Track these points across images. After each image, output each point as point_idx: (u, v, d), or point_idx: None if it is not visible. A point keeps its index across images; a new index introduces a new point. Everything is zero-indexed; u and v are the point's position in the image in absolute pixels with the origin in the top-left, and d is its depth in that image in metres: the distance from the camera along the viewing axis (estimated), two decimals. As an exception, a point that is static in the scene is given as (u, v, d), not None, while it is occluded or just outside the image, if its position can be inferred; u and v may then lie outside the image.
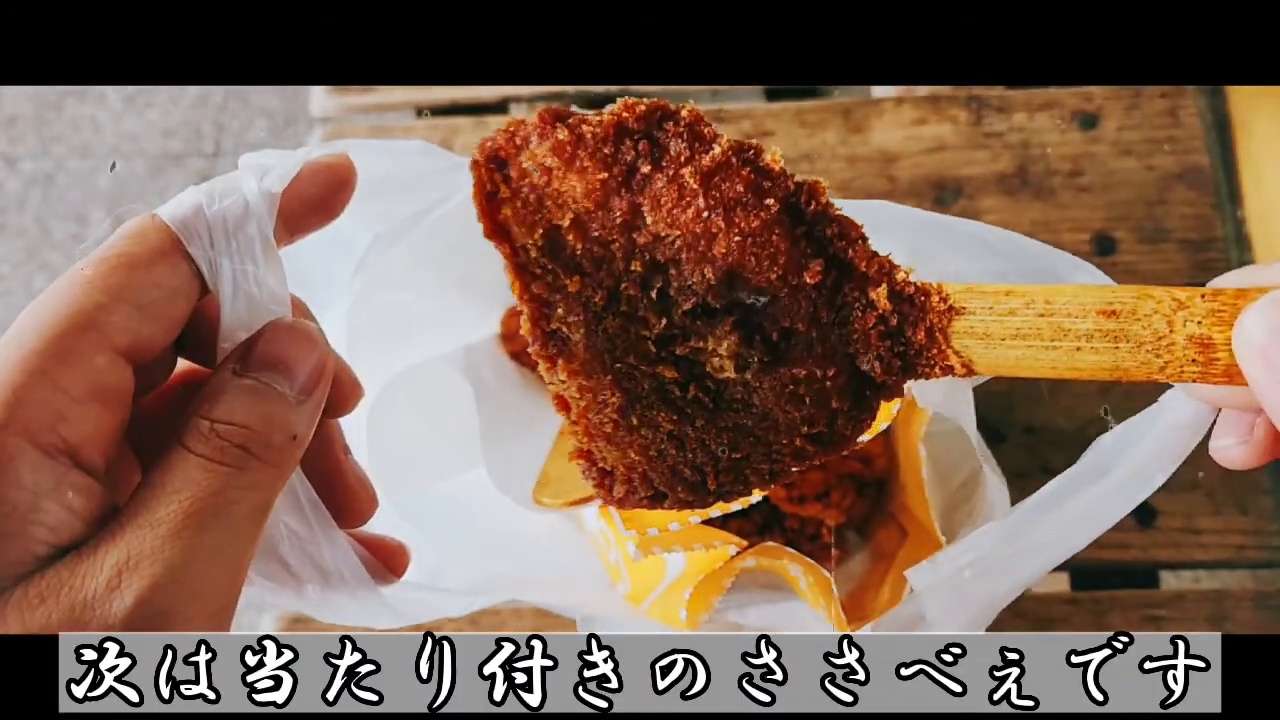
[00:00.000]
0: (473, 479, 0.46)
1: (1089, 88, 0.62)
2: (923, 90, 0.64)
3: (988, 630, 0.38)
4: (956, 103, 0.63)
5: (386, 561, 0.32)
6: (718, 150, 0.27)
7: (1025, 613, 0.53)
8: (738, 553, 0.41)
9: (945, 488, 0.46)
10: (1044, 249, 0.36)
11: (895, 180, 0.61)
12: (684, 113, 0.28)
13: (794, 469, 0.30)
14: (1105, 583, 0.55)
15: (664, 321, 0.29)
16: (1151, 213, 0.59)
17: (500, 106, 0.70)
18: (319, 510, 0.29)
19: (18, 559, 0.23)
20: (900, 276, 0.28)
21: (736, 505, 0.41)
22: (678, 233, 0.28)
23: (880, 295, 0.28)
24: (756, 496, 0.41)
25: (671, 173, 0.28)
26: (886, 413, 0.43)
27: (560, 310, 0.30)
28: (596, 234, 0.29)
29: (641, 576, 0.44)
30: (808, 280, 0.28)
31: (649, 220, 0.28)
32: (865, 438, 0.43)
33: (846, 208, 0.39)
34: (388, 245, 0.42)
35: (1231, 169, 0.79)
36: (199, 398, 0.26)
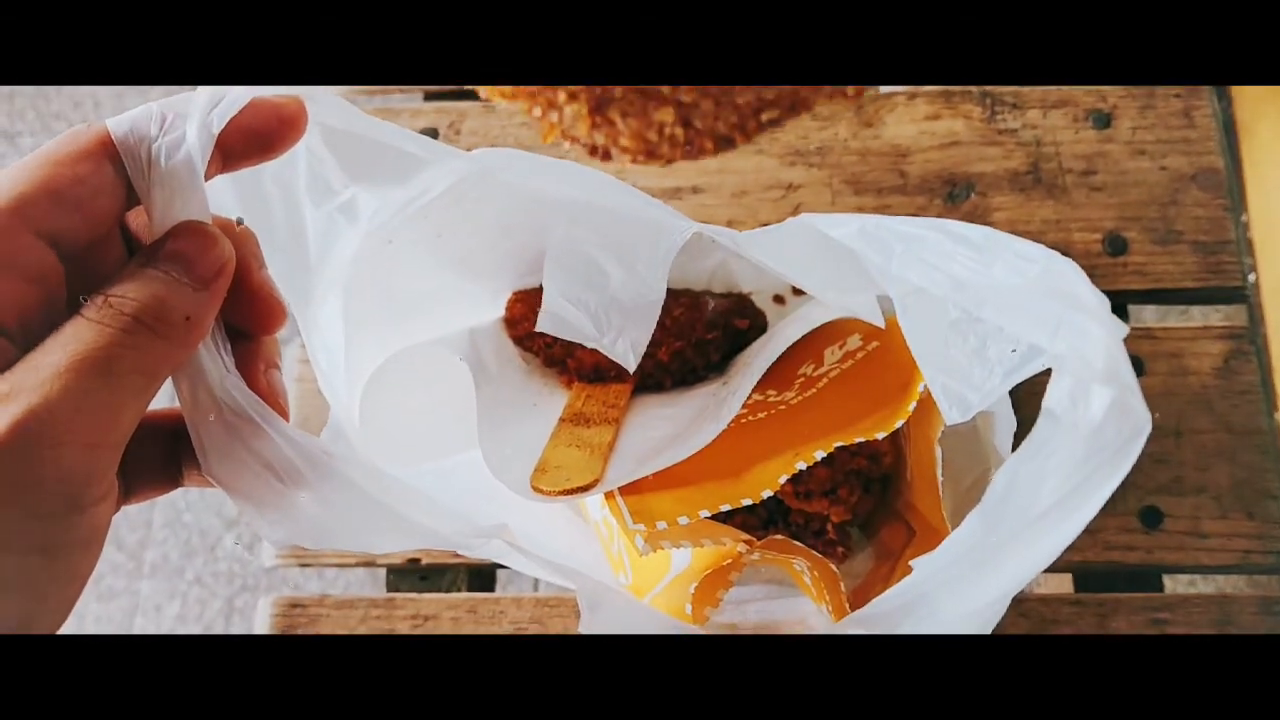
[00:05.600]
0: (469, 460, 0.45)
1: (1104, 87, 0.61)
2: (936, 85, 0.63)
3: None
4: (970, 98, 0.62)
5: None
6: None
7: (1029, 613, 0.52)
8: (745, 549, 0.40)
9: (955, 489, 0.45)
10: (1027, 245, 0.34)
11: (907, 175, 0.61)
12: None
13: None
14: (1109, 585, 0.55)
15: None
16: (1164, 213, 0.59)
17: (508, 92, 0.69)
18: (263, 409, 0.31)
19: None
20: None
21: (746, 501, 0.41)
22: None
23: None
24: (767, 493, 0.41)
25: None
26: (903, 410, 0.43)
27: None
28: None
29: (645, 570, 0.44)
30: None
31: None
32: (881, 434, 0.42)
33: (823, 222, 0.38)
34: (383, 226, 0.42)
35: (1237, 173, 0.79)
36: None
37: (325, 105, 0.34)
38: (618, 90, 0.27)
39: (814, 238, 0.40)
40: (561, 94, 0.27)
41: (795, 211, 0.61)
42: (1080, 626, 0.52)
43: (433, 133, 0.66)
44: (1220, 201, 0.59)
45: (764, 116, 0.28)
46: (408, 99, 0.70)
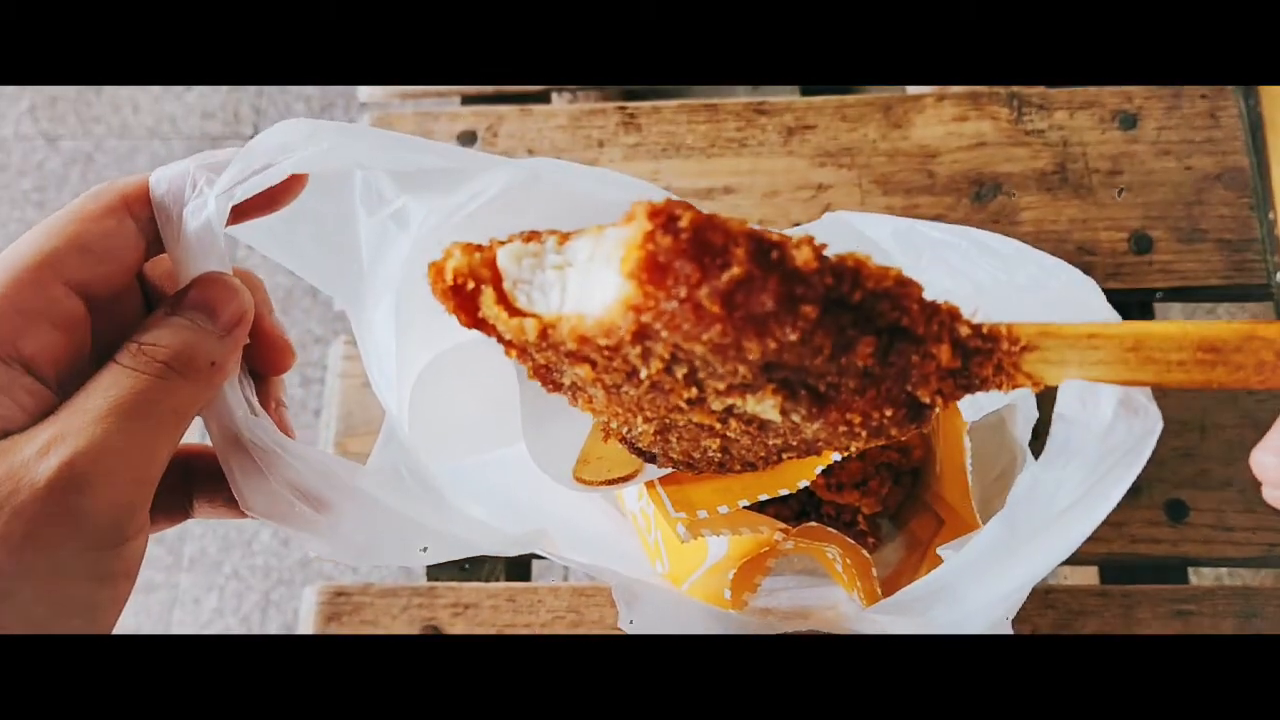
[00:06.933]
0: (513, 454, 0.47)
1: (1129, 88, 0.62)
2: (964, 86, 0.64)
3: (1016, 620, 0.39)
4: (998, 100, 0.63)
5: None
6: (736, 268, 0.24)
7: (1055, 604, 0.54)
8: (782, 537, 0.42)
9: (983, 479, 0.46)
10: (1052, 261, 0.36)
11: (935, 176, 0.62)
12: (683, 221, 0.24)
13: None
14: (1135, 577, 0.56)
15: (694, 391, 0.28)
16: (1189, 213, 0.59)
17: (543, 96, 0.71)
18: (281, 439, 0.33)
19: None
20: (964, 331, 0.27)
21: (782, 491, 0.43)
22: (701, 347, 0.26)
23: (943, 352, 0.27)
24: (803, 483, 0.42)
25: (684, 294, 0.24)
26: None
27: (570, 378, 0.28)
28: (602, 342, 0.26)
29: (683, 558, 0.45)
30: (857, 362, 0.27)
31: (665, 334, 0.25)
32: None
33: (857, 220, 0.40)
34: (434, 231, 0.43)
35: (1264, 170, 0.79)
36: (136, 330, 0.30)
37: (372, 141, 0.36)
38: (681, 420, 0.30)
39: (847, 233, 0.41)
40: (639, 418, 0.30)
41: (825, 211, 0.63)
42: (1106, 618, 0.53)
43: (471, 135, 0.67)
44: (1245, 200, 0.60)
45: (785, 456, 0.31)
46: (445, 103, 0.72)
